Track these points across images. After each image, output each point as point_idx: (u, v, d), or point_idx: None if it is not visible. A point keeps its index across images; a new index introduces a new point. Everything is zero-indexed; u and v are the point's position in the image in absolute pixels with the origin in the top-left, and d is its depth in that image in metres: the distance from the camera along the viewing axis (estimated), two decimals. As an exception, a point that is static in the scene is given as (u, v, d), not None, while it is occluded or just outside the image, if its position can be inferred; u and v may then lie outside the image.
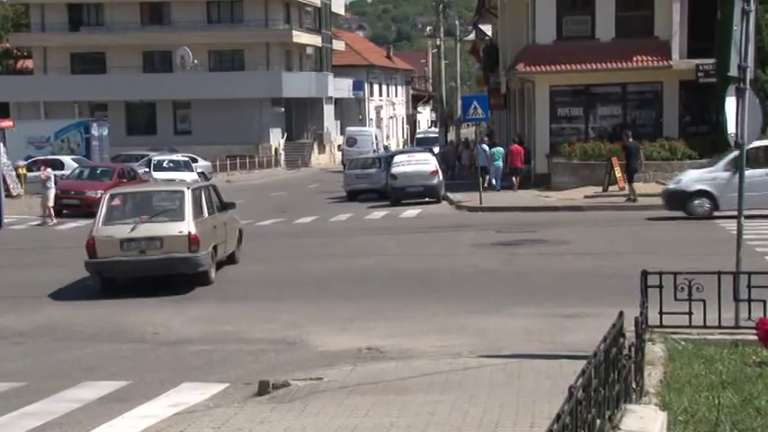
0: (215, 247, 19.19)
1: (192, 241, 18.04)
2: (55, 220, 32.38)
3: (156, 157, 46.50)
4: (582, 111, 38.81)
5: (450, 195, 35.36)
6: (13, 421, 9.72)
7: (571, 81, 38.18)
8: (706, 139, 34.76)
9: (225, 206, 21.11)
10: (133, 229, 18.19)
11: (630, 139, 31.74)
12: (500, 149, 38.58)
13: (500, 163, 37.69)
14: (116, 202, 19.44)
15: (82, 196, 34.03)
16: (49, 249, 25.90)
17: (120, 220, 18.65)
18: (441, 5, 67.19)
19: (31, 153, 47.83)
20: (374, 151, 54.85)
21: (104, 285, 18.51)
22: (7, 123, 47.53)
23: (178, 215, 18.47)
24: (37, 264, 22.91)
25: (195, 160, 46.23)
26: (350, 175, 40.54)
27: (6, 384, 11.26)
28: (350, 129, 67.25)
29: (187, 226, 18.20)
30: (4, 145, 40.96)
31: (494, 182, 37.08)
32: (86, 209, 32.46)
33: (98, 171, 37.75)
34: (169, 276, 18.42)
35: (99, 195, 32.14)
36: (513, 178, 36.51)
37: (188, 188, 19.62)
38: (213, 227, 19.42)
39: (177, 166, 45.37)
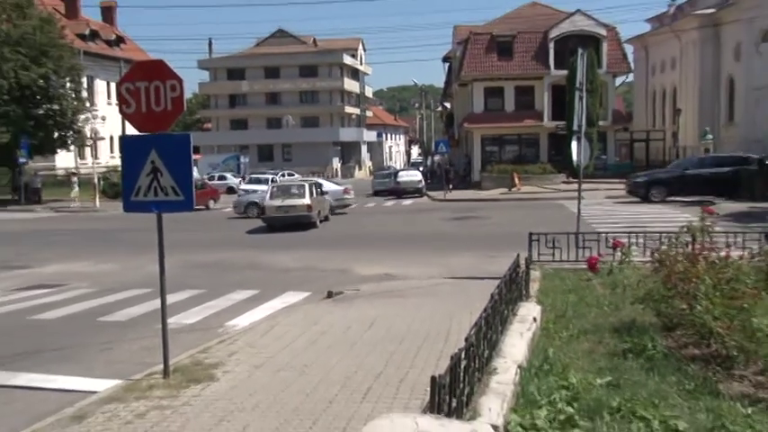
0: (319, 212, 21.30)
1: (309, 208, 20.36)
2: None
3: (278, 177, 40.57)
4: (497, 148, 38.69)
5: (429, 193, 35.28)
6: (200, 311, 9.79)
7: (492, 132, 38.05)
8: (562, 164, 34.57)
9: (323, 192, 23.18)
10: (282, 201, 20.42)
11: (449, 166, 35.85)
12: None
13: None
14: (274, 188, 21.58)
15: None
16: (211, 223, 25.68)
17: (276, 197, 20.82)
18: (424, 93, 67.02)
19: (209, 172, 48.00)
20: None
21: (269, 228, 20.34)
22: (198, 156, 47.90)
23: (303, 195, 20.68)
24: (208, 230, 22.80)
25: (293, 175, 45.92)
26: (374, 182, 40.26)
27: (195, 291, 11.32)
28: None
29: (307, 200, 20.45)
30: (196, 166, 41.03)
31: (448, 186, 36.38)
32: None
33: None
34: (298, 224, 20.32)
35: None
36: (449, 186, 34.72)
37: (307, 183, 21.77)
38: (318, 202, 21.60)
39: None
